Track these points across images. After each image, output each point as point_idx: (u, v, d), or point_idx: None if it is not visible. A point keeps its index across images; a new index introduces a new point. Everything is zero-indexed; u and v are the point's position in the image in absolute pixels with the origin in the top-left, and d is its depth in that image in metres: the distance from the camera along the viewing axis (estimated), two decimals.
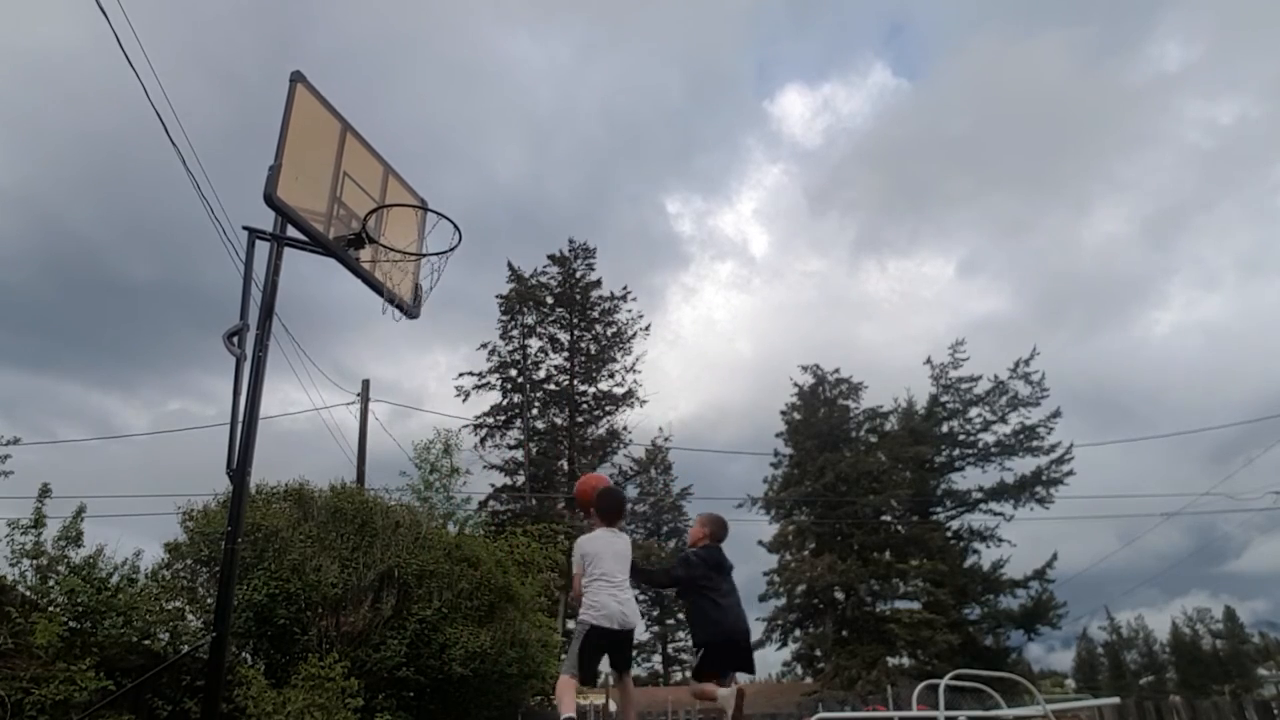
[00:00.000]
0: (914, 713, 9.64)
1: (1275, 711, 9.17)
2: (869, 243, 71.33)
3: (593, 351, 35.41)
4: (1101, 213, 71.99)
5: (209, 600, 7.02)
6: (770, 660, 50.50)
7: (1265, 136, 66.72)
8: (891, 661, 31.10)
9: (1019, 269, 69.79)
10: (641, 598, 41.81)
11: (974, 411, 34.00)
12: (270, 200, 5.72)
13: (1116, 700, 10.58)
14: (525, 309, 34.87)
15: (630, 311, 35.78)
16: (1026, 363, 32.71)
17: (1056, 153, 76.85)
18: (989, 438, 33.55)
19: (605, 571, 4.47)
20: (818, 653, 33.81)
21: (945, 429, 34.55)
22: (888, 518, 33.89)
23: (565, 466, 34.26)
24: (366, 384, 17.28)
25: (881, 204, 75.26)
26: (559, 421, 34.80)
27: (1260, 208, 66.26)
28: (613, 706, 24.03)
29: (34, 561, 6.10)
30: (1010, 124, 79.32)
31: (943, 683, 5.55)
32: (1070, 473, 31.71)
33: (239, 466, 5.43)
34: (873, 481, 33.23)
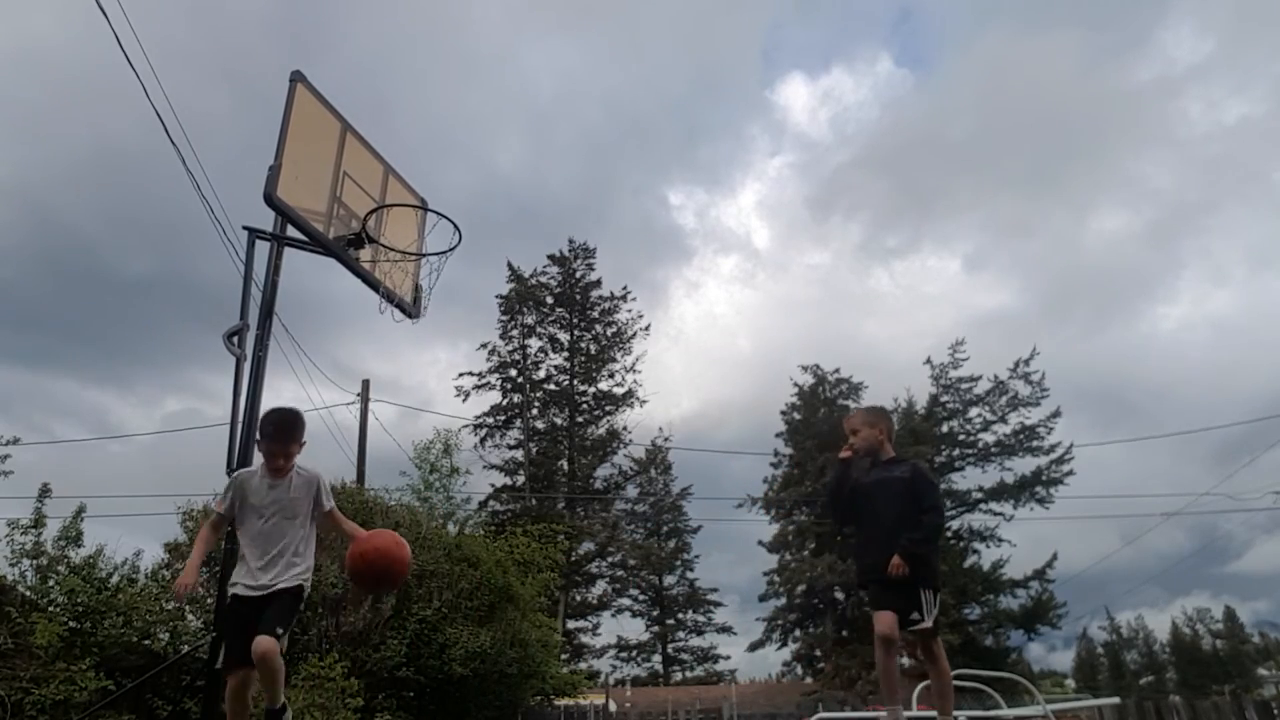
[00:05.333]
0: (914, 713, 9.63)
1: (1275, 711, 9.17)
2: (873, 237, 71.24)
3: (593, 351, 35.41)
4: (1110, 208, 71.95)
5: (209, 600, 7.02)
6: (770, 660, 50.56)
7: (1274, 132, 66.59)
8: None
9: (1026, 264, 69.72)
10: (641, 597, 41.95)
11: (974, 411, 33.99)
12: (270, 200, 5.72)
13: (1116, 700, 10.59)
14: (525, 309, 34.88)
15: (630, 311, 35.79)
16: (1026, 362, 32.71)
17: (1064, 149, 76.78)
18: (989, 438, 33.54)
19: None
20: (818, 653, 33.80)
21: (945, 429, 34.54)
22: None
23: (565, 466, 34.27)
24: (366, 384, 17.29)
25: (886, 199, 75.18)
26: (559, 421, 34.80)
27: (1270, 203, 66.13)
28: (613, 706, 24.06)
29: (34, 561, 6.10)
30: (1017, 120, 79.29)
31: None
32: (1070, 473, 31.72)
33: (239, 467, 5.43)
34: None
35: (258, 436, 3.90)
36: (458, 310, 57.87)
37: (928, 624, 3.87)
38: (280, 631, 3.53)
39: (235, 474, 3.93)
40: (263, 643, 3.44)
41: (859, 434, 4.27)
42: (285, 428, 3.86)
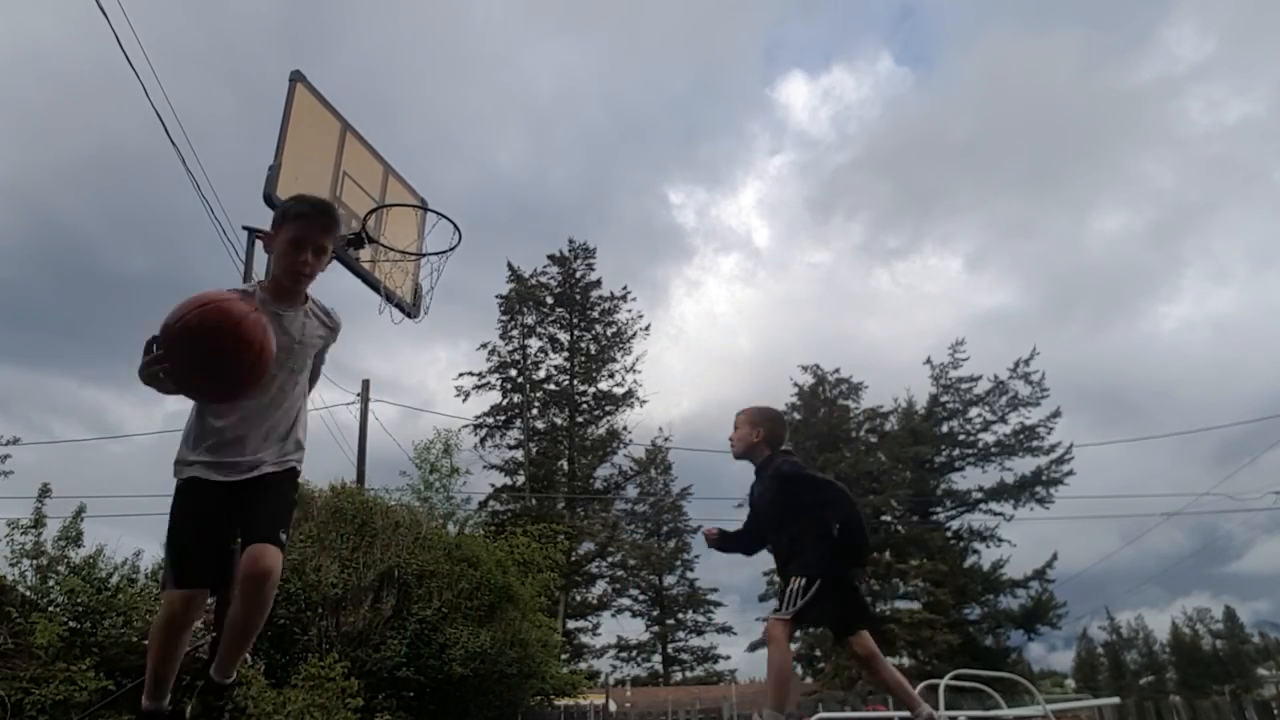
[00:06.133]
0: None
1: (1275, 711, 9.16)
2: (874, 236, 71.12)
3: (593, 351, 35.42)
4: (1111, 208, 71.93)
5: (208, 600, 7.01)
6: None
7: (1275, 131, 66.55)
8: (891, 661, 31.08)
9: (1026, 264, 69.59)
10: (641, 597, 41.98)
11: (974, 411, 34.02)
12: (270, 200, 5.72)
13: (1116, 700, 10.59)
14: (525, 309, 34.89)
15: (630, 311, 35.79)
16: (1026, 363, 32.73)
17: (1065, 148, 76.69)
18: (989, 438, 33.57)
19: None
20: (818, 653, 33.80)
21: (945, 429, 34.56)
22: (888, 518, 33.88)
23: (565, 466, 34.28)
24: (366, 384, 17.28)
25: (887, 197, 75.08)
26: (559, 421, 34.80)
27: (1271, 202, 66.07)
28: (613, 706, 24.05)
29: (34, 561, 6.10)
30: (1018, 119, 79.21)
31: (943, 683, 5.54)
32: (1070, 473, 31.75)
33: None
34: (873, 481, 33.23)
35: (273, 227, 2.57)
36: (458, 310, 57.76)
37: (784, 615, 3.48)
38: (284, 538, 2.38)
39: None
40: (267, 554, 2.25)
41: (736, 431, 3.93)
42: (323, 211, 2.56)
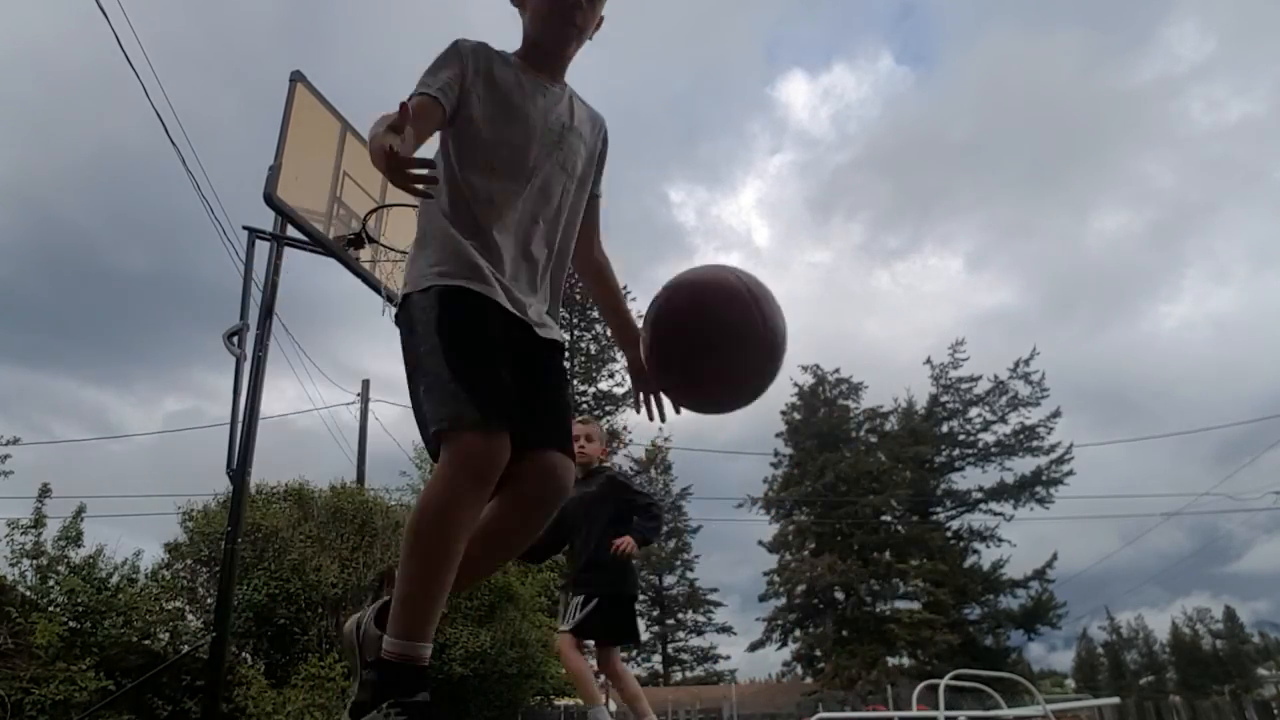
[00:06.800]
0: (914, 713, 9.65)
1: (1275, 711, 9.17)
2: (874, 236, 71.08)
3: (593, 351, 35.46)
4: (1111, 207, 71.81)
5: (209, 600, 7.03)
6: (770, 660, 50.59)
7: (1277, 131, 66.48)
8: (891, 661, 31.11)
9: (1027, 263, 69.47)
10: (641, 597, 41.89)
11: (974, 411, 34.03)
12: (270, 200, 5.72)
13: (1116, 700, 10.60)
14: None
15: (630, 311, 35.88)
16: (1026, 363, 32.74)
17: (1065, 148, 76.60)
18: (989, 438, 33.58)
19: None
20: (818, 653, 33.81)
21: (945, 429, 34.57)
22: (888, 518, 33.89)
23: None
24: (366, 384, 17.28)
25: (887, 197, 74.97)
26: None
27: (1272, 202, 66.00)
28: (613, 706, 24.05)
29: (34, 561, 6.11)
30: (1018, 118, 79.16)
31: (943, 683, 5.55)
32: (1070, 473, 31.76)
33: (239, 466, 5.44)
34: (873, 481, 33.23)
35: None
36: None
37: (563, 627, 3.92)
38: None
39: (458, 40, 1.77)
40: (569, 470, 1.65)
41: (591, 444, 4.25)
42: None
